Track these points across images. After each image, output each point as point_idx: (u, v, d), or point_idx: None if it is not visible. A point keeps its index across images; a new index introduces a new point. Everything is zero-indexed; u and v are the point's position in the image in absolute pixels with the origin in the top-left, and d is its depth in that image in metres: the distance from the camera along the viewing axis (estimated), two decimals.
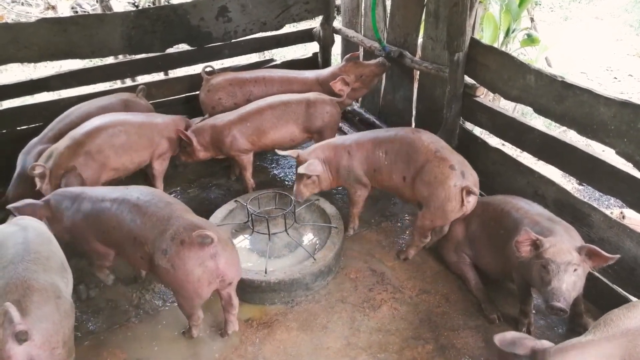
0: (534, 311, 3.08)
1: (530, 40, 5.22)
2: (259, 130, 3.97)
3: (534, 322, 3.04)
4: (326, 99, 4.11)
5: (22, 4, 7.10)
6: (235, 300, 2.94)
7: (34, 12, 6.92)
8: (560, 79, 3.03)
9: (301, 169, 3.45)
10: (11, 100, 4.52)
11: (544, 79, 3.12)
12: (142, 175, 4.19)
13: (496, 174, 3.70)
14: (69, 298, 2.46)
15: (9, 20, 6.52)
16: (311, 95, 4.14)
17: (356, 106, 5.22)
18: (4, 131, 4.22)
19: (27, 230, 2.63)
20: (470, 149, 3.85)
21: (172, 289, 2.85)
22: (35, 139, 3.85)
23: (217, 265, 2.69)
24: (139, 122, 3.83)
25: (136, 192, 2.97)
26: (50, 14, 6.72)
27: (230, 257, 2.78)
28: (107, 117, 3.74)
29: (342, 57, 5.29)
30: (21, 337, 2.06)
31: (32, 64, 5.33)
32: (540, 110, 3.22)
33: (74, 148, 3.49)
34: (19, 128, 4.30)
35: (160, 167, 4.02)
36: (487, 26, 5.10)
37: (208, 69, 4.50)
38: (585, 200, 3.14)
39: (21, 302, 2.16)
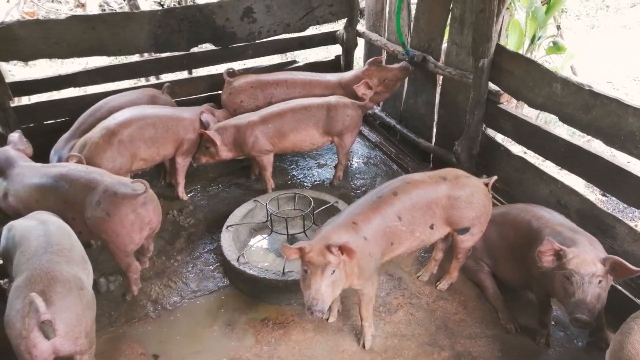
0: (553, 322, 3.04)
1: (556, 48, 5.16)
2: (279, 133, 4.00)
3: (552, 333, 3.00)
4: (347, 103, 4.11)
5: (52, 1, 7.26)
6: (152, 246, 3.46)
7: (63, 9, 7.06)
8: (587, 88, 2.99)
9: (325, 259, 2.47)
10: (39, 95, 4.62)
11: (570, 88, 3.08)
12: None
13: (518, 182, 3.66)
14: (91, 290, 2.51)
15: (40, 17, 6.66)
16: (332, 98, 4.14)
17: (377, 110, 5.21)
18: (32, 125, 4.31)
19: (47, 223, 2.69)
20: (493, 156, 3.82)
21: (106, 239, 3.04)
22: (66, 135, 3.93)
23: (147, 212, 3.04)
24: (167, 116, 3.91)
25: (54, 167, 3.22)
26: (79, 11, 6.85)
27: (156, 207, 3.14)
28: (137, 109, 3.85)
29: (364, 60, 5.29)
30: (48, 332, 2.10)
31: (60, 60, 5.46)
32: (565, 119, 3.18)
33: (107, 137, 3.59)
34: (46, 122, 4.39)
35: (183, 162, 4.09)
36: (512, 33, 5.05)
37: (230, 71, 4.53)
38: (609, 211, 3.08)
39: (45, 292, 2.21)
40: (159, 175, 4.49)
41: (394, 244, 2.88)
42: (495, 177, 3.14)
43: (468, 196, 2.98)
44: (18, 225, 2.71)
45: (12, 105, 4.05)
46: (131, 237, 3.05)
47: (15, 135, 3.45)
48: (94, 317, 2.46)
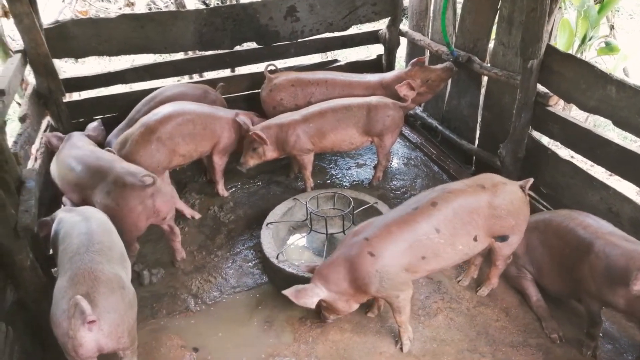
0: (600, 334, 2.92)
1: (608, 48, 4.96)
2: (320, 132, 4.00)
3: (600, 345, 2.89)
4: (389, 103, 4.07)
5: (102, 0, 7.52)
6: (176, 229, 3.51)
7: (112, 8, 7.29)
8: None
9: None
10: (88, 91, 4.79)
11: (627, 91, 2.94)
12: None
13: (566, 188, 3.54)
14: (132, 288, 2.55)
15: (91, 16, 6.88)
16: (373, 99, 4.11)
17: (419, 110, 5.14)
18: (82, 120, 4.46)
19: (90, 220, 2.75)
20: (539, 159, 3.70)
21: (113, 223, 3.12)
22: (122, 124, 4.13)
23: (154, 203, 3.17)
24: (205, 113, 3.96)
25: (79, 150, 3.46)
26: (128, 10, 7.05)
27: (165, 196, 3.25)
28: (176, 106, 3.91)
29: (407, 60, 5.24)
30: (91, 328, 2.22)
31: (108, 57, 5.64)
32: (620, 123, 3.04)
33: (146, 134, 3.69)
34: (95, 118, 4.54)
35: (220, 161, 4.14)
36: (562, 32, 4.89)
37: (271, 68, 4.55)
38: None
39: (90, 294, 2.26)
40: (200, 172, 4.57)
41: (426, 258, 2.77)
42: (531, 180, 3.01)
43: (508, 204, 2.87)
44: (66, 221, 2.78)
45: (64, 100, 4.21)
46: (137, 226, 3.21)
47: (93, 124, 3.90)
48: (135, 315, 2.50)
